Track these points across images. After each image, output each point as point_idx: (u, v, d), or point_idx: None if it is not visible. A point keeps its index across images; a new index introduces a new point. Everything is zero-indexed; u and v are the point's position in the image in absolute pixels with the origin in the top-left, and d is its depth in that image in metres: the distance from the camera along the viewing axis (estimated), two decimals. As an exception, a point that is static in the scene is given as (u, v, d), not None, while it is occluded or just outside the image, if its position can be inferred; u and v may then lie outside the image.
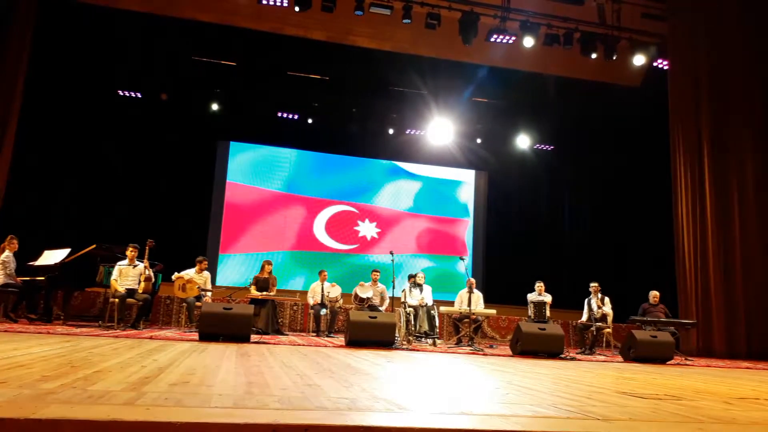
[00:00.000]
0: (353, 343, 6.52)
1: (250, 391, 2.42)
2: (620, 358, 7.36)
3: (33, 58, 9.54)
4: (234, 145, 12.80)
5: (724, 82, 10.31)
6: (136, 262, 7.76)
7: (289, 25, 10.58)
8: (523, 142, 13.49)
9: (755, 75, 10.22)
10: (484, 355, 6.69)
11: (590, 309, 8.66)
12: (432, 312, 8.70)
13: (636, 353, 7.00)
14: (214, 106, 12.02)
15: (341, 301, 9.38)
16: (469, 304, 8.01)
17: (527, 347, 6.82)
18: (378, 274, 9.35)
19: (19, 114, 9.24)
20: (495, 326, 11.02)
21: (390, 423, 1.82)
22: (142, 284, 7.65)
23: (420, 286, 8.97)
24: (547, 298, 8.96)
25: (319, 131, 12.74)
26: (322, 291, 9.18)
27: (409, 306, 8.28)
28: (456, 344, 8.34)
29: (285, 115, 12.69)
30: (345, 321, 8.15)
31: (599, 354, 8.25)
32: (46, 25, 9.83)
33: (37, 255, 8.12)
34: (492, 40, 10.49)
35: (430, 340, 8.18)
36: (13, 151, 9.19)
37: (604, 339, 9.03)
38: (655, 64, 11.28)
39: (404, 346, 6.98)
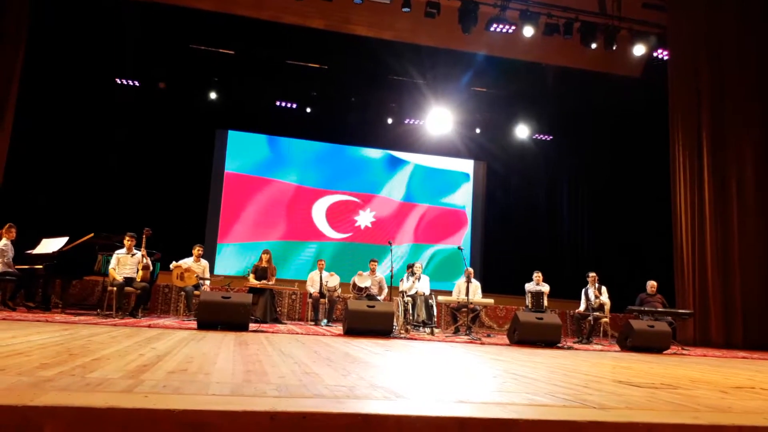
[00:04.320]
0: (351, 331, 6.54)
1: (248, 379, 2.42)
2: (617, 348, 7.40)
3: (29, 45, 9.48)
4: (232, 134, 12.77)
5: (724, 73, 10.29)
6: (134, 251, 7.77)
7: (288, 13, 10.52)
8: (522, 132, 13.46)
9: (755, 66, 10.20)
10: (481, 344, 6.71)
11: (588, 299, 8.68)
12: (430, 301, 8.72)
13: (633, 343, 7.03)
14: (213, 95, 11.96)
15: (339, 290, 9.39)
16: (467, 294, 8.03)
17: (525, 336, 6.85)
18: (376, 263, 9.37)
19: (16, 101, 9.20)
20: (493, 316, 11.06)
21: (387, 410, 1.83)
22: (140, 273, 7.65)
23: (418, 275, 8.98)
24: (545, 287, 8.98)
25: (318, 120, 12.69)
26: (321, 280, 9.19)
27: (407, 295, 8.30)
28: (454, 333, 8.37)
29: (283, 104, 12.64)
30: (343, 310, 8.16)
31: (596, 343, 8.29)
32: (42, 13, 9.76)
33: (35, 243, 8.11)
34: (491, 29, 10.44)
35: (427, 329, 8.20)
36: (11, 139, 9.16)
37: (602, 328, 9.07)
38: (655, 54, 11.24)
39: (402, 335, 7.00)
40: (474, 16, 10.03)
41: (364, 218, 13.17)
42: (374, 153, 13.50)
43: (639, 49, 10.71)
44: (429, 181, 13.73)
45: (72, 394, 1.79)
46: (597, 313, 8.49)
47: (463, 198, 13.89)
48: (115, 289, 7.39)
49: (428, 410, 1.89)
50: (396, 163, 13.61)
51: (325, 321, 8.98)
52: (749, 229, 9.87)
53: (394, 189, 13.49)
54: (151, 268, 7.97)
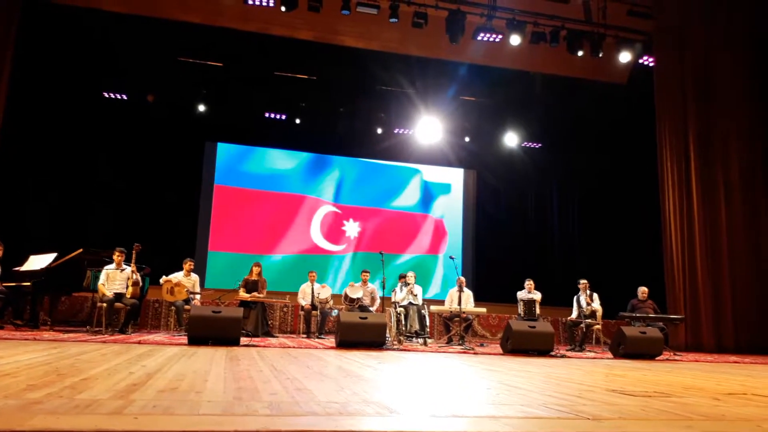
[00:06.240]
0: (344, 344, 6.51)
1: (240, 396, 2.40)
2: (610, 355, 7.40)
3: (16, 60, 9.41)
4: (221, 146, 12.73)
5: (709, 79, 10.40)
6: (124, 266, 7.70)
7: (275, 25, 10.52)
8: (511, 140, 13.52)
9: (740, 71, 10.32)
10: (474, 354, 6.70)
11: (579, 306, 8.70)
12: (422, 311, 8.70)
13: (625, 349, 7.04)
14: (201, 107, 11.93)
15: (331, 302, 9.35)
16: (459, 303, 8.02)
17: (518, 345, 6.84)
18: (368, 274, 9.34)
19: (3, 116, 9.12)
20: (485, 325, 11.05)
21: (381, 427, 1.81)
22: (130, 288, 7.58)
23: (410, 285, 8.97)
24: (537, 295, 8.99)
25: (307, 131, 12.69)
26: (312, 292, 9.15)
27: (400, 306, 8.28)
28: (447, 343, 8.35)
29: (272, 115, 12.63)
30: (335, 322, 8.13)
31: (589, 351, 8.30)
32: (29, 27, 9.71)
33: (23, 260, 8.02)
34: (479, 38, 10.50)
35: (420, 340, 8.18)
36: (-3, 155, 9.09)
37: (594, 336, 9.08)
38: (641, 61, 11.33)
39: (395, 347, 6.97)
40: (461, 26, 10.08)
41: (353, 228, 13.14)
42: (363, 164, 13.49)
43: (625, 56, 10.79)
44: (419, 190, 13.74)
45: (60, 418, 1.76)
46: (589, 320, 8.51)
47: (453, 207, 13.89)
48: (104, 305, 7.32)
49: (422, 426, 1.87)
50: (386, 174, 13.61)
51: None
52: (738, 233, 9.95)
53: (385, 198, 13.48)
54: (141, 283, 7.90)
